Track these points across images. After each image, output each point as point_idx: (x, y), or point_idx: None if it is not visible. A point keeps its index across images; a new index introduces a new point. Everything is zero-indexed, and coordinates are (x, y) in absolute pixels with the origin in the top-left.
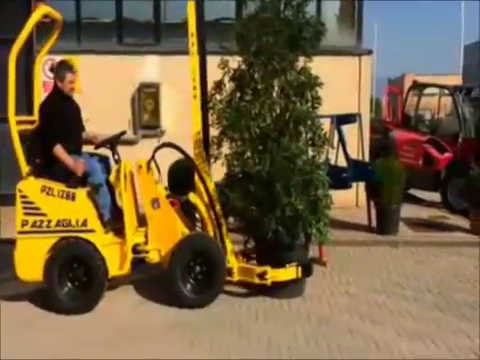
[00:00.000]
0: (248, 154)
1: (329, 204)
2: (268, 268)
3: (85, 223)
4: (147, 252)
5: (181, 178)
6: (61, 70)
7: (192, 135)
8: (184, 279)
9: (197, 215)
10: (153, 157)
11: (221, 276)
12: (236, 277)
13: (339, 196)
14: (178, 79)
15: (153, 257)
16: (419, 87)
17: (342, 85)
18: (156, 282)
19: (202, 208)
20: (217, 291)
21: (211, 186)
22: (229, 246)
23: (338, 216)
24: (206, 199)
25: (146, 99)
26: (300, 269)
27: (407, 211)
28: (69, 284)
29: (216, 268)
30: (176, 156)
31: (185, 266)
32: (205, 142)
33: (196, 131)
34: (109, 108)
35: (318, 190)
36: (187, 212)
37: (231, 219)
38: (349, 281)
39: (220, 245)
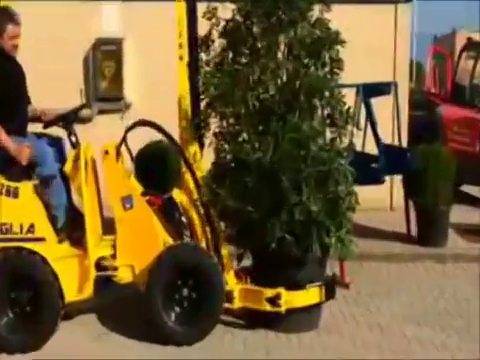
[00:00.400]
0: (244, 136)
1: (354, 204)
2: (282, 290)
3: (31, 229)
4: (116, 269)
5: (154, 169)
6: None
7: (179, 107)
8: (167, 306)
9: (184, 219)
10: (124, 140)
11: (218, 302)
12: (237, 303)
13: (367, 194)
14: (148, 33)
15: (124, 276)
16: (475, 47)
17: (371, 43)
18: (128, 310)
19: (191, 209)
20: (212, 323)
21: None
22: (228, 261)
23: (366, 221)
24: (196, 197)
25: (104, 61)
26: (324, 290)
27: (458, 215)
28: (9, 313)
29: (211, 291)
30: (149, 139)
31: (169, 288)
32: (196, 119)
33: (184, 105)
34: (54, 73)
35: (339, 186)
36: (171, 215)
37: (220, 225)
38: (380, 308)
39: (216, 259)
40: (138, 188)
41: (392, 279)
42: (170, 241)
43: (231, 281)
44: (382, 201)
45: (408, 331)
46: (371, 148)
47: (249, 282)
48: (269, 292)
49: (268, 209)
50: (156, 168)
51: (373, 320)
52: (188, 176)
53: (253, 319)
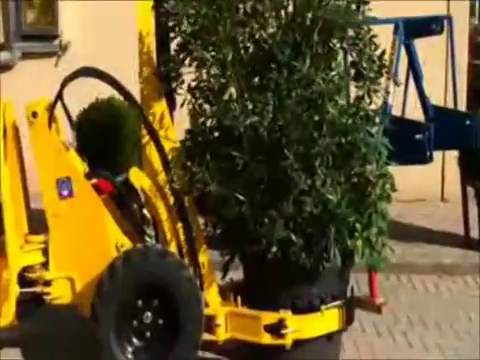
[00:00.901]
0: (231, 92)
1: (388, 192)
2: (287, 314)
3: None
4: (48, 283)
5: (103, 139)
6: None
7: (139, 51)
8: (122, 338)
9: (147, 212)
10: (60, 96)
11: (194, 332)
12: (223, 333)
13: (410, 177)
14: None
15: (60, 293)
16: None
17: None
18: (66, 342)
19: (156, 198)
20: (193, 348)
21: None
22: (208, 272)
23: (406, 217)
24: (163, 181)
25: None
26: (345, 313)
27: None
28: None
29: (185, 316)
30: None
31: (124, 312)
32: (164, 67)
33: (146, 47)
34: None
35: (367, 165)
36: (127, 206)
37: (198, 220)
38: (425, 344)
39: (191, 271)
40: (80, 167)
41: (443, 301)
42: (126, 244)
43: (214, 302)
44: (430, 188)
45: None
46: (415, 112)
47: (239, 303)
48: (269, 317)
49: (266, 198)
50: (106, 138)
51: (412, 357)
52: (151, 150)
53: (245, 357)
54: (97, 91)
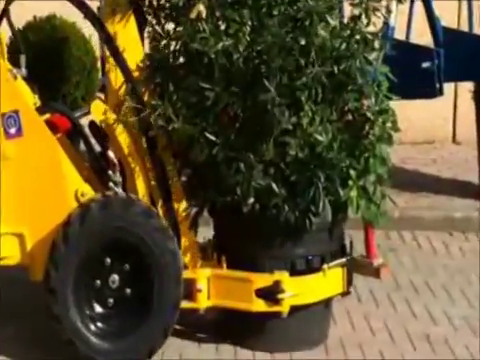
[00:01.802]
0: (200, 8)
1: (389, 132)
2: (284, 275)
3: None
4: None
5: (58, 63)
6: None
7: None
8: (83, 307)
9: (112, 154)
10: (5, 13)
11: (171, 300)
12: (205, 301)
13: (415, 115)
14: None
15: (6, 252)
16: None
17: None
18: (15, 313)
19: (123, 135)
20: (160, 336)
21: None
22: (186, 227)
23: (412, 162)
24: (129, 112)
25: None
26: (347, 273)
27: None
28: None
29: (160, 279)
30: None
31: (85, 276)
32: None
33: None
34: None
35: (364, 99)
36: (88, 147)
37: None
38: (431, 313)
39: (166, 223)
40: (31, 100)
41: (454, 262)
42: (88, 192)
43: (193, 262)
44: (439, 128)
45: (475, 349)
46: (423, 36)
47: (224, 264)
48: (262, 280)
49: (242, 139)
50: (46, 65)
51: (418, 331)
52: (117, 77)
53: (230, 327)
54: (36, 7)
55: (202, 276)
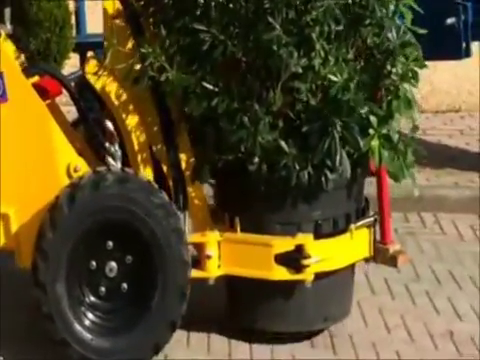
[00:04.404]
0: None
1: (413, 68)
2: (308, 238)
3: None
4: None
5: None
6: None
7: None
8: (76, 300)
9: (109, 123)
10: None
11: (178, 287)
12: (216, 269)
13: (439, 79)
14: None
15: None
16: None
17: None
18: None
19: (123, 104)
20: (166, 328)
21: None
22: (196, 186)
23: (435, 133)
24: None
25: None
26: (372, 234)
27: None
28: None
29: (163, 265)
30: None
31: (79, 262)
32: None
33: None
34: None
35: (384, 32)
36: (83, 114)
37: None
38: (457, 307)
39: (165, 198)
40: (15, 60)
41: None
42: (82, 167)
43: (202, 224)
44: (466, 94)
45: None
46: None
47: (238, 227)
48: (283, 244)
49: (245, 87)
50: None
51: (440, 327)
52: (123, 30)
53: (243, 299)
54: None
55: (212, 240)
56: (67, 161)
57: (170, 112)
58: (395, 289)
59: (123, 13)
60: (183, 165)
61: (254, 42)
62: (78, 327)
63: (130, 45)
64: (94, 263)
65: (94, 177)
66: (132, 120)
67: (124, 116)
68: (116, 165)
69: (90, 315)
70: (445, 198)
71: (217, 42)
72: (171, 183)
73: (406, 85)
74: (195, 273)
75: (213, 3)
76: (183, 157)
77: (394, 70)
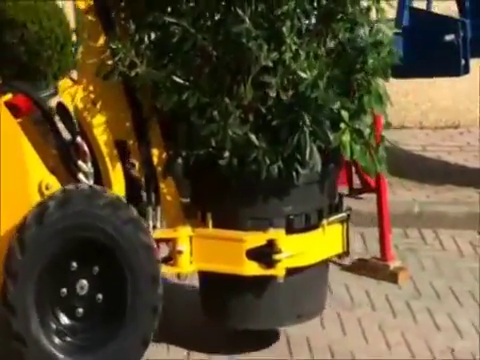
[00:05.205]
0: None
1: (385, 62)
2: (279, 233)
3: None
4: None
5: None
6: None
7: None
8: (47, 319)
9: (82, 141)
10: None
11: (149, 303)
12: (188, 265)
13: (438, 95)
14: None
15: None
16: None
17: None
18: None
19: (95, 122)
20: (138, 344)
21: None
22: (166, 181)
23: (434, 149)
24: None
25: None
26: (346, 230)
27: None
28: None
29: (133, 280)
30: None
31: (49, 285)
32: None
33: None
34: None
35: (357, 29)
36: (55, 131)
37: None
38: (459, 324)
39: (134, 213)
40: None
41: None
42: (53, 185)
43: (174, 219)
44: (464, 110)
45: None
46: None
47: (210, 222)
48: (255, 239)
49: (215, 81)
50: (29, 34)
51: (441, 344)
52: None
53: (215, 295)
54: None
55: (183, 235)
56: (39, 179)
57: (141, 107)
58: (396, 306)
59: (94, 7)
60: (155, 160)
61: (224, 35)
62: (49, 347)
63: (102, 41)
64: (64, 282)
65: (62, 195)
66: (104, 137)
67: (96, 133)
68: (88, 183)
69: (62, 335)
70: (445, 214)
71: (187, 35)
72: (143, 179)
73: (377, 80)
74: (167, 269)
75: None
76: (155, 152)
77: (367, 65)
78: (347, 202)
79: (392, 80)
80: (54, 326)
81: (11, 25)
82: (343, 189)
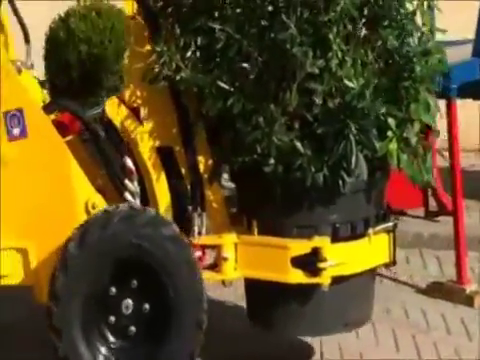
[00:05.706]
0: None
1: (435, 68)
2: (324, 241)
3: None
4: None
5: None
6: None
7: None
8: (94, 342)
9: (129, 161)
10: None
11: (194, 319)
12: (232, 272)
13: None
14: None
15: (8, 270)
16: None
17: None
18: (11, 344)
19: (143, 141)
20: (187, 358)
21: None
22: (212, 187)
23: None
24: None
25: None
26: (393, 241)
27: None
28: None
29: (177, 298)
30: None
31: (95, 307)
32: None
33: None
34: None
35: (406, 37)
36: (102, 151)
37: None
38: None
39: (177, 231)
40: (38, 96)
41: None
42: (100, 204)
43: (219, 226)
44: None
45: None
46: None
47: (255, 229)
48: (299, 247)
49: (261, 87)
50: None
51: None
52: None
53: (261, 305)
54: None
55: (228, 242)
56: (85, 198)
57: (188, 113)
58: (471, 329)
59: (141, 12)
60: (201, 167)
61: (270, 41)
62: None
63: (148, 46)
64: (109, 300)
65: (102, 217)
66: (150, 155)
67: (141, 147)
68: (135, 202)
69: (109, 355)
70: None
71: (232, 41)
72: (189, 185)
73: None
74: (211, 276)
75: (228, 2)
76: (201, 159)
77: (415, 74)
78: (423, 225)
79: (473, 103)
80: (103, 348)
81: (90, 45)
82: (419, 212)
